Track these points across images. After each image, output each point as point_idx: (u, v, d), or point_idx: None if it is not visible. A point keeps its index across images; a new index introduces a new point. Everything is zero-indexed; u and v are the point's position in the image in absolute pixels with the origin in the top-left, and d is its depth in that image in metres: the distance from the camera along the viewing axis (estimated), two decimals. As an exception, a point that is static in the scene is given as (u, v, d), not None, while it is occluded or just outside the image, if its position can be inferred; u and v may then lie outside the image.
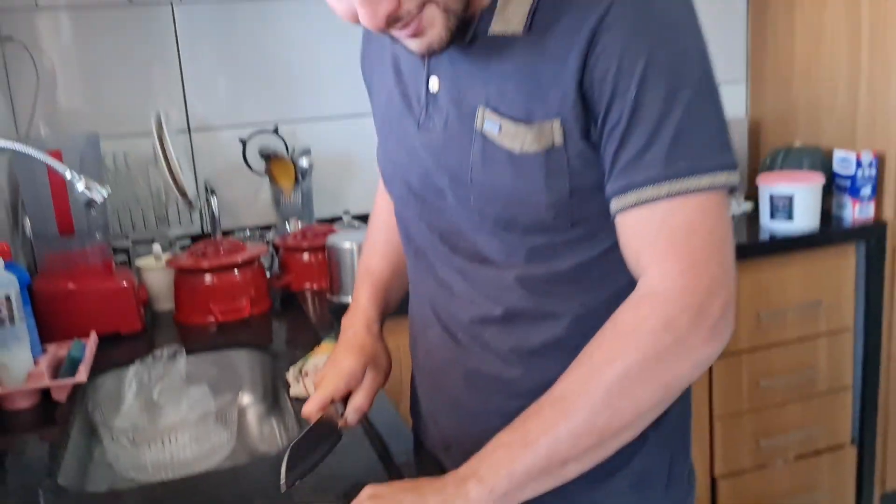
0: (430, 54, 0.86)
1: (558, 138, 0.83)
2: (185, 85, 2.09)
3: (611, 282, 0.91)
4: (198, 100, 2.11)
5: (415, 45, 0.84)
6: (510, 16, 0.85)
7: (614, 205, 0.83)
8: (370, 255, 1.19)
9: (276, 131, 2.10)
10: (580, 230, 0.89)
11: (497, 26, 0.85)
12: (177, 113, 2.09)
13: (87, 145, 1.61)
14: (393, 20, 0.79)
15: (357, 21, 0.81)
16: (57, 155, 1.52)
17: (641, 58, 0.77)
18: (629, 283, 0.85)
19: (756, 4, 2.52)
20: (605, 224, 0.87)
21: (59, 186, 1.52)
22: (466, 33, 0.87)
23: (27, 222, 1.68)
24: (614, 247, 0.88)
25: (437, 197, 0.95)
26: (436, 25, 0.82)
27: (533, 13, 0.83)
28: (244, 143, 2.08)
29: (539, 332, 0.94)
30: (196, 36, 2.08)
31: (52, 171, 1.32)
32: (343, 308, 1.67)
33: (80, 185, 1.24)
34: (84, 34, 2.00)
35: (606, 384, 0.78)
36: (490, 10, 0.86)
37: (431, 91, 0.92)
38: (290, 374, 1.33)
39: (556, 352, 0.93)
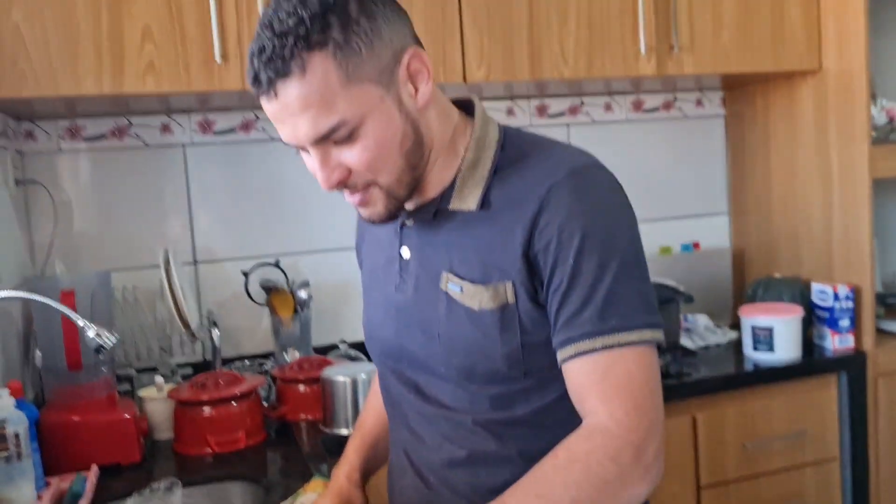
0: (371, 222, 1.03)
1: (510, 297, 0.97)
2: (193, 219, 2.22)
3: (566, 426, 1.00)
4: (204, 234, 2.23)
5: (362, 212, 1.02)
6: (466, 195, 1.02)
7: (559, 356, 0.96)
8: (366, 413, 1.32)
9: (277, 264, 2.22)
10: (533, 380, 1.01)
11: (455, 204, 1.02)
12: (184, 245, 2.21)
13: (98, 283, 1.71)
14: (342, 186, 0.97)
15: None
16: (70, 293, 1.63)
17: (577, 233, 0.93)
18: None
19: (734, 143, 2.67)
20: (555, 375, 0.99)
21: (71, 326, 1.61)
22: (429, 211, 1.04)
23: (38, 355, 1.77)
24: (564, 395, 1.00)
25: (408, 353, 1.08)
26: (378, 204, 1.00)
27: (485, 193, 1.00)
28: (246, 276, 2.19)
29: (502, 473, 1.03)
30: (205, 174, 2.22)
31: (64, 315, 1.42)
32: (335, 440, 1.74)
33: (90, 332, 1.34)
34: (101, 174, 2.14)
35: None
36: (450, 190, 1.03)
37: (404, 258, 1.07)
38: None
39: None
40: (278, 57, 0.88)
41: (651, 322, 0.94)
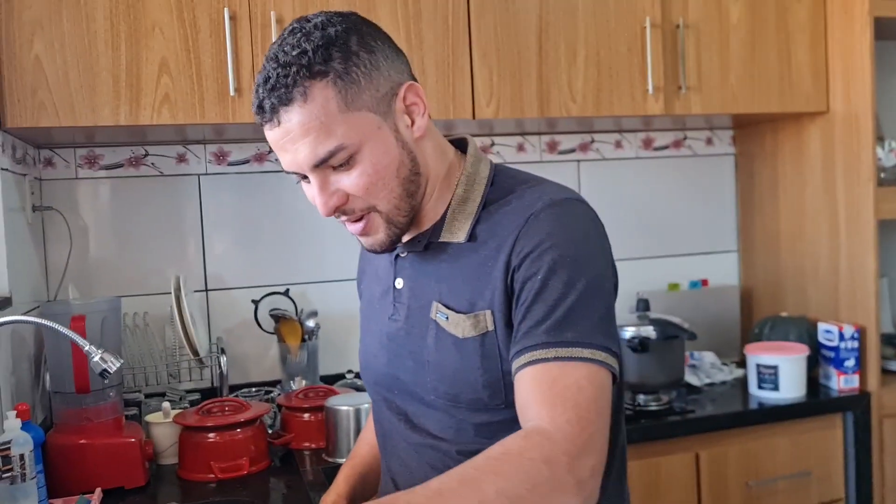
0: (373, 251, 1.08)
1: (490, 325, 1.01)
2: (205, 247, 2.26)
3: None
4: (216, 262, 2.27)
5: (363, 240, 1.07)
6: (456, 229, 1.07)
7: (514, 365, 0.97)
8: (360, 443, 1.36)
9: (286, 293, 2.25)
10: (513, 411, 1.00)
11: (445, 236, 1.08)
12: (196, 273, 2.24)
13: (109, 309, 1.74)
14: (340, 212, 1.02)
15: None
16: (81, 319, 1.66)
17: (549, 253, 0.97)
18: None
19: (744, 182, 2.69)
20: None
21: (79, 351, 1.64)
22: (421, 243, 1.09)
23: (48, 378, 1.80)
24: None
25: (399, 381, 1.12)
26: (379, 232, 1.05)
27: (473, 226, 1.05)
28: (256, 304, 2.22)
29: None
30: (218, 204, 2.26)
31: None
32: (337, 469, 1.74)
33: (95, 357, 1.37)
34: (117, 201, 2.19)
35: (481, 496, 0.84)
36: (440, 223, 1.08)
37: (398, 288, 1.12)
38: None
39: None
40: (282, 85, 0.94)
41: (606, 346, 0.95)
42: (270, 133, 0.98)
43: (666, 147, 2.66)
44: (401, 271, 1.13)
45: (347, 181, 0.99)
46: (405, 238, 1.11)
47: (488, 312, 1.01)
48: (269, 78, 0.95)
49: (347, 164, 0.98)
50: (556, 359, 0.93)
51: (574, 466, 0.87)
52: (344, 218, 1.04)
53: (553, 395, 0.91)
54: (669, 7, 2.17)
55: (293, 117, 0.95)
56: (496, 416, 1.04)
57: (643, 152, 2.63)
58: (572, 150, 2.56)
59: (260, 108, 0.97)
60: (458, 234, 1.07)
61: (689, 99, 2.19)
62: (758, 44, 2.24)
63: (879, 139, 2.26)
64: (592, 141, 2.58)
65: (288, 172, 1.03)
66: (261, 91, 0.97)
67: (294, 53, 0.95)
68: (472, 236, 1.05)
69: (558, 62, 2.09)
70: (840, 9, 2.24)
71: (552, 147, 2.55)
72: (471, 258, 1.05)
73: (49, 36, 1.74)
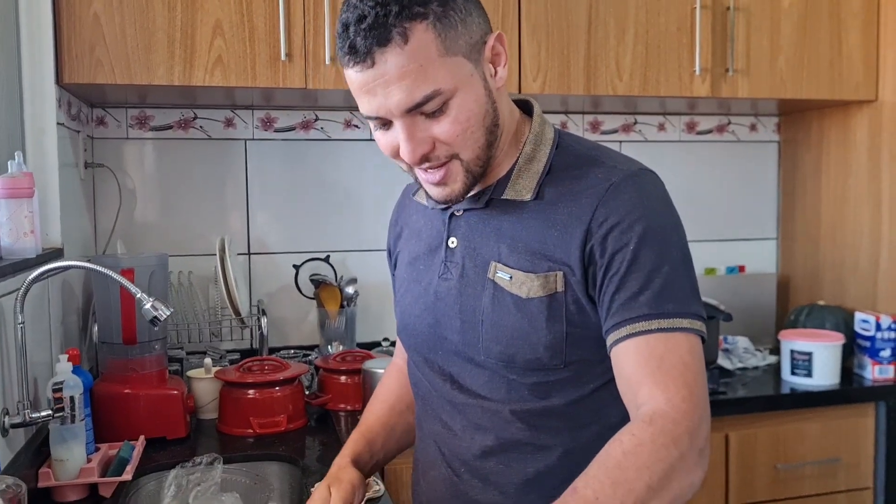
0: (447, 202, 1.06)
1: (560, 286, 1.01)
2: (249, 212, 2.30)
3: (598, 419, 1.05)
4: (260, 226, 2.31)
5: (436, 191, 1.05)
6: (520, 187, 1.06)
7: (612, 337, 0.98)
8: (366, 413, 1.34)
9: (327, 259, 2.29)
10: (571, 371, 1.04)
11: (509, 194, 1.06)
12: (240, 236, 2.29)
13: (157, 265, 1.79)
14: (424, 159, 1.00)
15: (394, 156, 1.02)
16: (130, 272, 1.71)
17: (638, 225, 0.98)
18: (615, 422, 0.99)
19: (786, 169, 2.67)
20: (593, 368, 1.03)
21: (128, 301, 1.69)
22: (482, 199, 1.08)
23: (95, 329, 1.85)
24: (600, 388, 1.05)
25: (446, 341, 1.11)
26: (457, 181, 1.03)
27: (539, 185, 1.05)
28: (297, 269, 2.26)
29: (534, 463, 1.07)
30: (264, 169, 2.30)
31: (123, 288, 1.49)
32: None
33: (147, 304, 1.41)
34: (165, 162, 2.24)
35: (636, 496, 0.86)
36: (504, 180, 1.07)
37: (450, 247, 1.11)
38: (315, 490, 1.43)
39: (549, 480, 1.05)
40: (380, 25, 0.91)
41: (701, 314, 0.98)
42: (359, 75, 0.94)
43: (709, 131, 2.65)
44: (455, 230, 1.11)
45: (438, 128, 0.97)
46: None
47: (559, 274, 1.01)
48: (366, 16, 0.91)
49: (439, 110, 0.96)
50: (658, 330, 0.95)
51: (695, 440, 0.91)
52: (426, 165, 1.01)
53: (663, 373, 0.93)
54: (721, -12, 2.16)
55: (390, 59, 0.92)
56: (551, 376, 1.04)
57: (686, 136, 2.63)
58: (615, 131, 2.56)
59: (352, 47, 0.93)
60: (523, 192, 1.06)
61: (737, 82, 2.18)
62: (809, 29, 2.23)
63: (928, 130, 2.23)
64: (635, 122, 2.58)
65: (368, 117, 1.00)
66: (353, 30, 0.92)
67: None
68: (538, 196, 1.05)
69: (607, 39, 2.09)
70: (894, -4, 2.21)
71: (595, 126, 2.55)
72: (538, 218, 1.04)
73: (109, -5, 1.78)
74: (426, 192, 1.11)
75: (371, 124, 1.02)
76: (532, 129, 1.09)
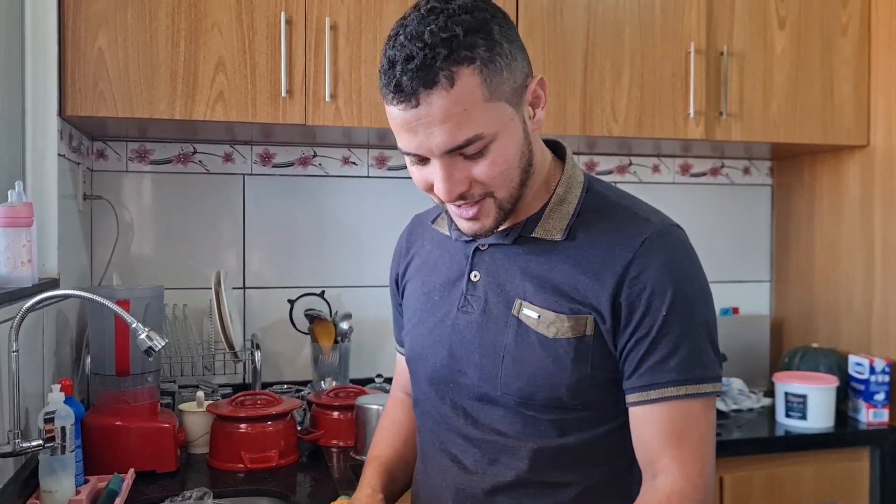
0: (476, 236, 1.07)
1: (589, 330, 1.03)
2: (245, 246, 2.31)
3: (611, 460, 1.07)
4: (256, 260, 2.32)
5: (467, 226, 1.06)
6: (551, 227, 1.08)
7: (636, 397, 1.02)
8: (377, 446, 1.33)
9: (322, 295, 2.29)
10: (589, 413, 1.05)
11: (539, 232, 1.08)
12: (235, 270, 2.29)
13: (152, 297, 1.79)
14: (460, 198, 1.01)
15: (428, 190, 1.03)
16: (125, 304, 1.71)
17: (671, 288, 1.00)
18: (625, 465, 1.05)
19: (780, 212, 2.70)
20: (609, 411, 1.05)
21: (123, 333, 1.69)
22: (510, 235, 1.09)
23: (88, 360, 1.85)
24: (613, 431, 1.06)
25: (461, 375, 1.11)
26: (490, 217, 1.04)
27: (570, 226, 1.07)
28: (292, 304, 2.26)
29: (545, 501, 1.07)
30: (261, 204, 2.32)
31: (118, 318, 1.49)
32: (360, 463, 1.77)
33: (142, 334, 1.41)
34: (163, 196, 2.25)
35: None
36: (535, 219, 1.09)
37: (472, 280, 1.11)
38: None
39: None
40: (428, 67, 0.92)
41: (720, 376, 1.04)
42: (403, 113, 0.95)
43: (703, 174, 2.67)
44: (479, 264, 1.11)
45: (477, 169, 0.98)
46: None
47: (590, 318, 1.02)
48: (413, 57, 0.92)
49: (479, 153, 0.98)
50: (686, 396, 1.00)
51: None
52: (461, 202, 1.02)
53: (683, 446, 1.00)
54: (714, 34, 2.20)
55: (435, 100, 0.93)
56: (569, 414, 1.05)
57: (680, 178, 2.65)
58: (610, 172, 2.59)
59: (398, 86, 0.94)
60: (553, 232, 1.07)
61: (730, 125, 2.21)
62: (801, 75, 2.26)
63: (919, 176, 2.26)
64: (630, 164, 2.60)
65: (406, 153, 1.01)
66: (399, 69, 0.93)
67: (443, 36, 0.93)
68: (569, 237, 1.06)
69: (603, 82, 2.12)
70: (885, 45, 2.25)
71: (590, 167, 2.57)
72: (568, 261, 1.05)
73: (113, 30, 1.81)
74: (453, 223, 1.13)
75: (407, 159, 1.03)
76: (565, 171, 1.11)
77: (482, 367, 1.08)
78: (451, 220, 1.15)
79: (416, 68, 0.92)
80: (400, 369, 1.37)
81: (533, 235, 1.08)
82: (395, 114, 0.97)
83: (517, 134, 1.00)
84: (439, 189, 1.00)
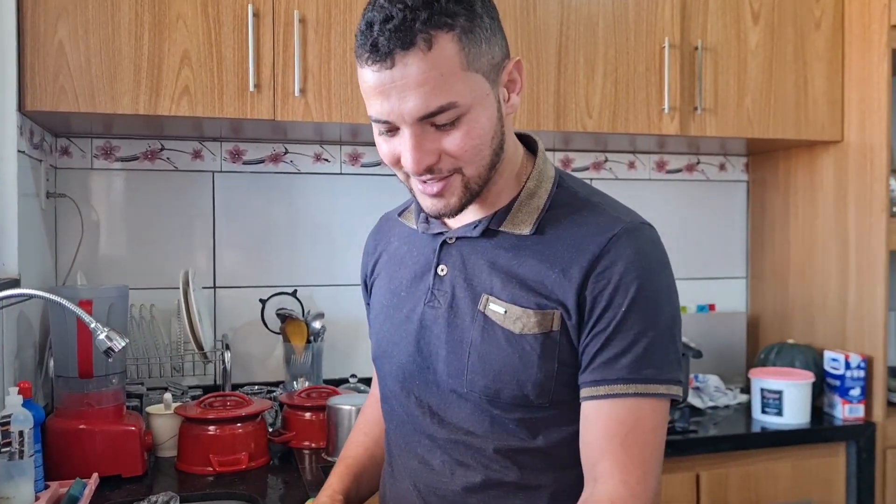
0: (439, 216, 1.04)
1: (556, 325, 1.00)
2: (216, 244, 2.26)
3: (577, 462, 1.03)
4: (226, 259, 2.27)
5: (431, 203, 1.02)
6: (520, 221, 1.05)
7: (586, 391, 0.99)
8: (349, 446, 1.31)
9: (294, 294, 2.25)
10: (555, 411, 1.02)
11: (507, 226, 1.05)
12: (205, 269, 2.25)
13: (116, 297, 1.74)
14: (428, 170, 0.98)
15: (395, 164, 1.00)
16: (88, 304, 1.66)
17: (633, 284, 0.98)
18: None
19: (755, 208, 2.69)
20: (576, 410, 1.02)
21: (85, 333, 1.64)
22: (478, 228, 1.06)
23: (51, 363, 1.80)
24: (577, 433, 1.02)
25: (428, 371, 1.08)
26: (455, 195, 1.01)
27: (539, 221, 1.04)
28: (263, 303, 2.22)
29: (514, 502, 1.04)
30: (231, 202, 2.27)
31: (80, 319, 1.45)
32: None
33: (101, 335, 1.36)
34: (130, 193, 2.20)
35: None
36: (503, 212, 1.06)
37: (439, 274, 1.08)
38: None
39: None
40: (407, 28, 0.90)
41: (678, 379, 1.00)
42: (376, 75, 0.93)
43: (679, 170, 2.66)
44: (446, 258, 1.09)
45: (448, 141, 0.96)
46: (461, 222, 1.08)
47: (557, 313, 1.00)
48: (392, 17, 0.90)
49: (451, 123, 0.95)
50: (635, 395, 0.97)
51: None
52: (428, 177, 0.99)
53: (625, 450, 0.97)
54: (688, 29, 2.18)
55: (411, 62, 0.91)
56: (536, 414, 1.03)
57: (656, 174, 2.64)
58: (586, 168, 2.57)
59: (373, 45, 0.91)
60: (521, 226, 1.05)
61: (705, 121, 2.20)
62: (775, 70, 2.26)
63: (893, 171, 2.26)
64: (606, 160, 2.59)
65: (376, 120, 0.97)
66: (377, 29, 0.91)
67: None
68: (537, 231, 1.04)
69: (576, 77, 2.10)
70: (858, 39, 2.25)
71: (566, 164, 2.55)
72: (536, 256, 1.03)
73: (73, 22, 1.76)
74: (420, 214, 1.11)
75: (375, 129, 1.00)
76: (536, 164, 1.09)
77: (448, 362, 1.05)
78: (418, 211, 1.13)
79: (394, 28, 0.90)
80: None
81: (501, 229, 1.06)
82: (369, 76, 0.94)
83: (491, 110, 0.98)
84: (407, 160, 0.96)
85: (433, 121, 0.95)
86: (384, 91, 0.93)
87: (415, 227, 1.16)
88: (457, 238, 1.09)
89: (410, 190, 1.05)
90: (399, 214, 1.23)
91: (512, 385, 1.01)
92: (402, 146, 0.97)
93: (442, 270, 1.08)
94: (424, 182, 1.00)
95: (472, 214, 1.07)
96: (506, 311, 1.01)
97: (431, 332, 1.07)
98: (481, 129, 0.97)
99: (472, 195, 1.01)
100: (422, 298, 1.10)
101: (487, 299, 1.03)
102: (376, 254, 1.25)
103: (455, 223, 1.09)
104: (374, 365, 1.21)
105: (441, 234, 1.10)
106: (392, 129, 0.97)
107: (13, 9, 1.71)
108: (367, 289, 1.27)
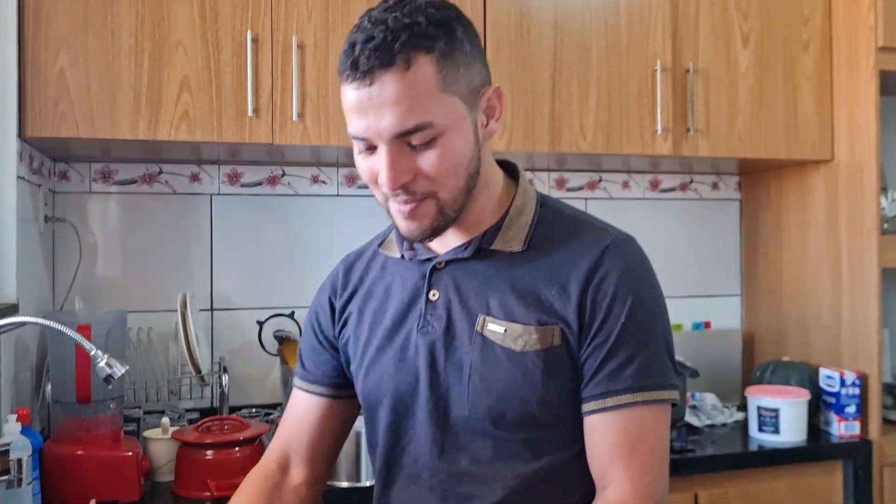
0: (411, 239, 1.05)
1: (557, 341, 1.01)
2: (213, 267, 2.27)
3: (583, 485, 1.04)
4: (223, 281, 2.28)
5: (405, 225, 1.03)
6: (510, 238, 1.07)
7: (592, 405, 1.00)
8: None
9: (291, 315, 2.25)
10: (560, 430, 1.03)
11: (499, 244, 1.07)
12: (203, 292, 2.25)
13: (115, 321, 1.75)
14: (403, 189, 0.99)
15: (373, 182, 1.01)
16: (86, 329, 1.66)
17: (631, 295, 1.00)
18: (593, 489, 1.02)
19: (748, 227, 2.71)
20: (579, 427, 1.03)
21: (84, 358, 1.64)
22: (468, 249, 1.07)
23: (49, 388, 1.80)
24: (583, 451, 1.03)
25: (429, 398, 1.06)
26: (427, 218, 1.02)
27: (529, 237, 1.06)
28: (261, 325, 2.23)
29: None
30: (229, 224, 2.28)
31: (78, 345, 1.45)
32: (335, 492, 1.74)
33: (101, 362, 1.37)
34: (128, 217, 2.21)
35: None
36: (493, 232, 1.07)
37: (431, 300, 1.08)
38: None
39: None
40: (386, 48, 0.93)
41: (677, 383, 1.04)
42: (356, 92, 0.95)
43: (672, 189, 2.68)
44: (437, 283, 1.09)
45: (423, 161, 0.98)
46: (448, 246, 1.09)
47: (557, 328, 1.01)
48: (374, 38, 0.93)
49: (426, 144, 0.97)
50: (642, 403, 0.99)
51: None
52: (403, 198, 1.01)
53: (634, 458, 0.99)
54: (680, 52, 2.21)
55: (388, 81, 0.94)
56: (541, 433, 1.03)
57: (650, 193, 2.66)
58: (580, 188, 2.59)
59: (354, 63, 0.94)
60: (512, 243, 1.07)
61: (697, 141, 2.22)
62: (765, 91, 2.28)
63: (883, 189, 2.28)
64: (600, 180, 2.61)
65: (354, 138, 1.00)
66: (358, 48, 0.94)
67: (406, 21, 0.94)
68: (529, 247, 1.06)
69: (570, 100, 2.12)
70: (846, 61, 2.28)
71: (560, 184, 2.57)
72: (532, 272, 1.04)
73: (74, 50, 1.78)
74: (403, 243, 1.12)
75: (355, 147, 1.01)
76: (520, 185, 1.11)
77: (448, 387, 1.05)
78: (401, 239, 1.12)
79: (374, 48, 0.93)
80: (292, 417, 1.27)
81: (492, 248, 1.07)
82: (349, 94, 0.97)
83: (467, 133, 1.00)
84: (383, 177, 0.98)
85: (409, 140, 0.97)
86: (363, 108, 0.96)
87: (398, 255, 1.15)
88: (446, 262, 1.09)
89: (389, 213, 1.07)
90: (379, 245, 1.22)
91: (516, 404, 1.01)
92: (379, 164, 0.98)
93: (434, 295, 1.08)
94: (399, 201, 1.02)
95: (457, 238, 1.08)
96: (505, 330, 1.02)
97: (428, 359, 1.07)
98: (456, 151, 0.99)
99: (445, 220, 1.03)
100: (414, 325, 1.09)
101: (485, 320, 1.04)
102: (348, 290, 1.21)
103: (442, 248, 1.10)
104: (364, 411, 1.16)
105: (429, 259, 1.10)
106: (370, 147, 0.99)
107: (14, 37, 1.73)
108: (336, 324, 1.21)
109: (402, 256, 1.13)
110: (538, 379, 1.01)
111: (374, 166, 1.00)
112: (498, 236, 1.07)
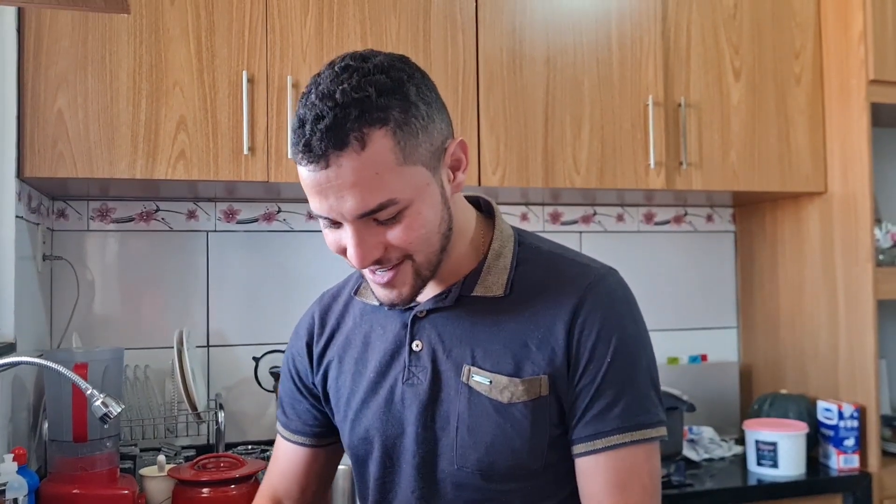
0: (392, 306, 1.03)
1: (545, 390, 1.00)
2: (209, 304, 2.28)
3: None
4: (219, 318, 2.29)
5: (383, 293, 1.01)
6: (491, 283, 1.04)
7: (582, 447, 0.99)
8: None
9: (288, 352, 2.25)
10: (549, 476, 1.02)
11: (480, 290, 1.04)
12: (199, 328, 2.26)
13: (111, 359, 1.75)
14: (376, 263, 0.96)
15: (342, 254, 0.98)
16: (83, 367, 1.67)
17: (615, 334, 0.99)
18: None
19: (743, 259, 2.72)
20: (570, 471, 1.02)
21: (80, 398, 1.65)
22: (449, 297, 1.04)
23: (45, 426, 1.80)
24: (573, 494, 1.03)
25: (416, 450, 1.04)
26: (406, 284, 0.99)
27: (510, 280, 1.04)
28: (257, 361, 2.23)
29: None
30: (225, 261, 2.29)
31: (74, 384, 1.46)
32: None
33: (97, 401, 1.37)
34: (125, 254, 2.22)
35: None
36: (474, 276, 1.05)
37: (414, 350, 1.06)
38: None
39: None
40: (338, 128, 0.87)
41: (663, 418, 1.03)
42: (313, 175, 0.90)
43: (667, 222, 2.70)
44: (419, 332, 1.05)
45: (391, 234, 0.94)
46: (428, 295, 1.05)
47: (545, 378, 0.99)
48: (323, 117, 0.88)
49: (394, 218, 0.93)
50: (632, 443, 0.99)
51: None
52: (377, 268, 0.97)
53: (624, 495, 0.98)
54: (672, 86, 2.24)
55: (345, 163, 0.88)
56: (530, 483, 1.01)
57: (644, 226, 2.68)
58: (574, 222, 2.60)
59: (307, 146, 0.89)
60: (494, 288, 1.03)
61: (690, 175, 2.24)
62: (758, 125, 2.31)
63: (877, 221, 2.30)
64: (595, 213, 2.62)
65: (318, 216, 0.96)
66: (309, 129, 0.88)
67: (355, 96, 0.88)
68: (510, 291, 1.03)
69: (564, 135, 2.14)
70: (837, 94, 2.31)
71: (555, 217, 2.59)
72: (516, 319, 1.02)
73: (73, 91, 1.80)
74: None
75: (321, 221, 0.98)
76: (497, 225, 1.08)
77: (435, 441, 1.02)
78: None
79: (325, 129, 0.88)
80: (279, 464, 1.24)
81: (474, 294, 1.04)
82: (305, 175, 0.92)
83: (434, 198, 0.96)
84: (352, 255, 0.94)
85: (375, 217, 0.93)
86: (322, 191, 0.91)
87: (376, 302, 1.09)
88: (427, 311, 1.05)
89: (361, 275, 1.04)
90: (355, 292, 1.17)
91: (506, 455, 0.99)
92: (346, 239, 0.95)
93: (417, 346, 1.05)
94: (374, 272, 0.99)
95: (436, 285, 1.05)
96: (491, 382, 1.00)
97: (414, 412, 1.04)
98: (424, 220, 0.95)
99: (423, 281, 1.00)
100: (399, 377, 1.06)
101: (470, 370, 1.01)
102: (325, 335, 1.17)
103: (422, 296, 1.05)
104: (352, 464, 1.14)
105: (409, 308, 1.06)
106: (336, 222, 0.96)
107: (14, 79, 1.75)
108: (315, 371, 1.18)
109: (381, 304, 1.06)
110: (527, 430, 0.99)
111: (340, 240, 0.96)
112: (478, 282, 1.04)
